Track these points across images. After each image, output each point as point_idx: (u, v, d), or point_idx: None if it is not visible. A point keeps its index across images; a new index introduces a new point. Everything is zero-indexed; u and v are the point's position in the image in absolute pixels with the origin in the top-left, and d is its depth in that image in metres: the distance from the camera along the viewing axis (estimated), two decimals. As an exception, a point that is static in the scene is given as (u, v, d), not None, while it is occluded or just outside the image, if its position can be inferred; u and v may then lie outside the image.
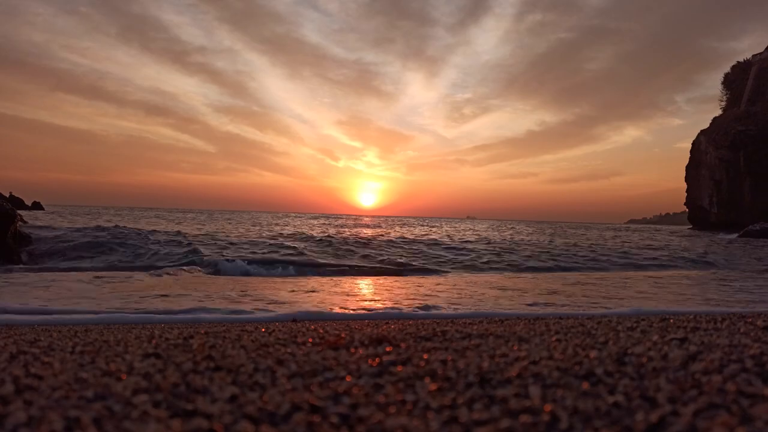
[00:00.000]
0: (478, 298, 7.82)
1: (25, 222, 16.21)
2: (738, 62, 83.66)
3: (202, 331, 2.67)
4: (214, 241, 17.08)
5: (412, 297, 7.76)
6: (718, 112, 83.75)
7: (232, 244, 16.77)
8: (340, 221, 54.28)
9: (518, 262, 14.96)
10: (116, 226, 18.74)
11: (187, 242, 15.93)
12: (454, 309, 6.51)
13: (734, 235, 43.70)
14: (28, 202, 58.95)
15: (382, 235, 23.43)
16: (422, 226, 45.74)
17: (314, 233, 23.26)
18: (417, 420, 1.03)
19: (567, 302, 7.46)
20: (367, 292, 8.70)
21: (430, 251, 16.71)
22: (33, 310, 5.98)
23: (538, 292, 8.78)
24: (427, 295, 7.97)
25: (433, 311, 6.29)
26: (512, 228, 48.32)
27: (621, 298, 7.99)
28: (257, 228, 29.09)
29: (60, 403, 1.12)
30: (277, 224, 38.20)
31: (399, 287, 9.23)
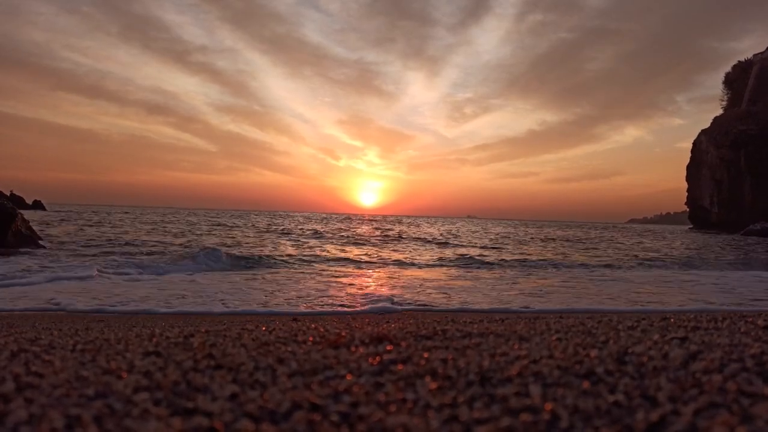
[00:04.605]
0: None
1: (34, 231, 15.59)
2: (739, 62, 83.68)
3: (203, 330, 2.67)
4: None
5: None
6: (719, 111, 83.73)
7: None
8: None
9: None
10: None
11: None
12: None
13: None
14: (29, 201, 58.87)
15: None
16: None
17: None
18: (417, 418, 1.03)
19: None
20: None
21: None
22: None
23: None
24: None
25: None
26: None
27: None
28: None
29: (61, 401, 1.12)
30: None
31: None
